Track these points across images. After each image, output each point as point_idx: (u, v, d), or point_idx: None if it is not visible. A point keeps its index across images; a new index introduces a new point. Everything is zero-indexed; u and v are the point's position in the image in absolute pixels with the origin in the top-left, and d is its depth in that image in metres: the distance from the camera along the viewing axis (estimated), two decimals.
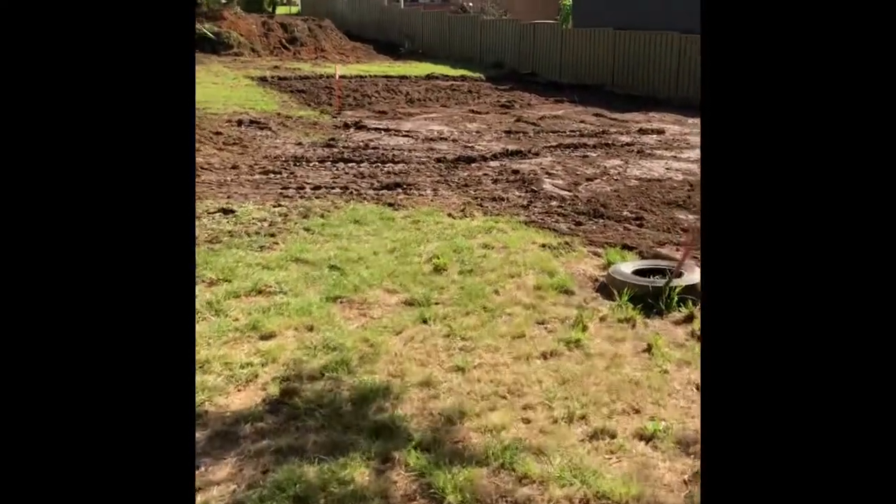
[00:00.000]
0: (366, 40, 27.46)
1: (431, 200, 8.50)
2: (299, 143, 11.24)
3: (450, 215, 7.81)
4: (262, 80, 18.55)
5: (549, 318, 5.13)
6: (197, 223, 7.25)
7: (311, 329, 4.85)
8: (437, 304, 5.33)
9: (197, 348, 4.57)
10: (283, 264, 6.06)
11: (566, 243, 6.88)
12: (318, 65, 21.92)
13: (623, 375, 4.33)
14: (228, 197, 8.32)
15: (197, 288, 5.54)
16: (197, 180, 8.99)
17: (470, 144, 11.66)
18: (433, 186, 9.13)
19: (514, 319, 5.08)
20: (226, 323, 4.90)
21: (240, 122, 12.26)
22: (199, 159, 9.95)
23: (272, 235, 6.91)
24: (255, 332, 4.79)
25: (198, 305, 5.15)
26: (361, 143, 11.39)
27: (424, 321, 5.01)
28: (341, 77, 14.62)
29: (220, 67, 20.20)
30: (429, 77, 20.26)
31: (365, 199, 8.42)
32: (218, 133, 11.47)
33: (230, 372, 4.26)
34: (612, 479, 3.37)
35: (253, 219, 7.46)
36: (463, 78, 20.51)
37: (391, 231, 7.07)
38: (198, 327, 4.85)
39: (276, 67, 20.72)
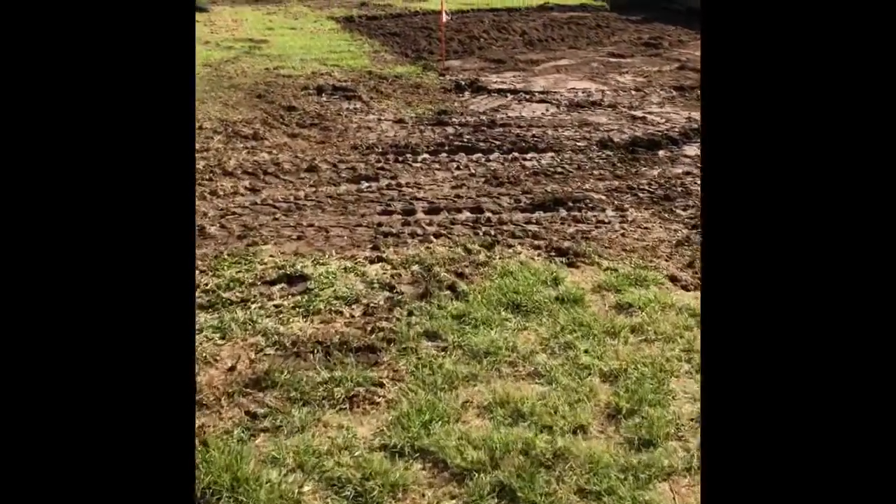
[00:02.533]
0: None
1: (623, 235, 4.96)
2: (400, 121, 7.75)
3: (675, 280, 4.28)
4: (349, 20, 14.98)
5: None
6: (241, 315, 3.93)
7: None
8: None
9: None
10: (395, 479, 2.71)
11: None
12: None
13: None
14: (299, 237, 4.99)
15: None
16: (257, 198, 5.68)
17: (637, 113, 7.94)
18: (614, 200, 5.57)
19: None
20: None
21: (320, 90, 8.81)
22: (264, 155, 6.64)
23: (373, 353, 3.54)
24: None
25: None
26: (484, 117, 7.82)
27: None
28: (448, 15, 10.72)
29: (301, 8, 16.69)
30: (542, 8, 16.26)
31: (515, 236, 4.94)
32: (291, 108, 8.07)
33: None
34: None
35: (335, 300, 4.10)
36: (583, 7, 16.42)
37: (587, 341, 3.58)
38: None
39: (363, 4, 17.05)
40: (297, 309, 4.02)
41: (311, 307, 4.03)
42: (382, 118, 7.87)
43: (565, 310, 3.88)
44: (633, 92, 8.81)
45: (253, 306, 4.06)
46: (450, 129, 7.44)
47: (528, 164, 6.43)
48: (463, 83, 9.16)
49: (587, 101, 8.39)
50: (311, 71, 9.80)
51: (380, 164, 6.44)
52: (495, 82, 9.34)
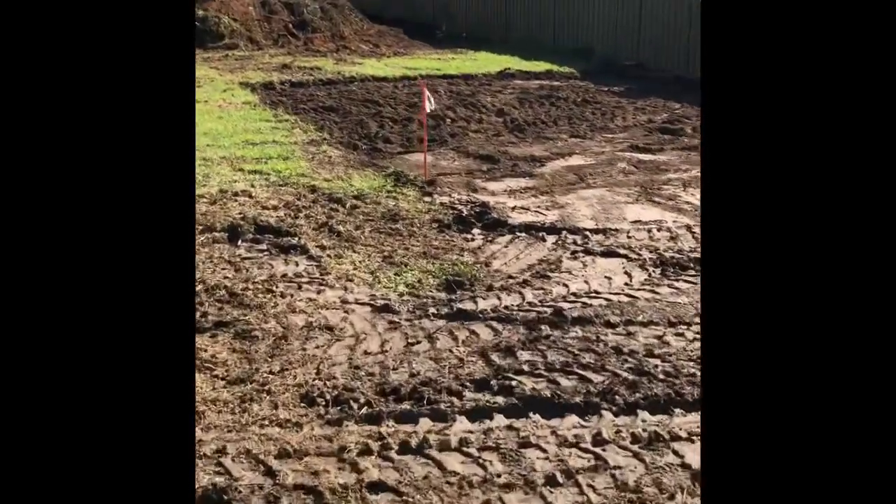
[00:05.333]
0: (390, 22, 19.85)
1: None
2: (384, 307, 4.02)
3: None
4: (268, 89, 11.18)
5: None
6: None
7: None
8: None
9: None
10: None
11: None
12: (343, 60, 14.45)
13: None
14: None
15: None
16: None
17: None
18: None
19: None
20: None
21: (235, 232, 4.94)
22: None
23: None
24: None
25: None
26: (532, 295, 4.15)
27: None
28: (433, 104, 6.48)
29: (206, 70, 12.75)
30: (503, 75, 12.89)
31: None
32: None
33: None
34: None
35: None
36: (550, 75, 13.15)
37: None
38: None
39: (285, 67, 13.26)
40: None
41: None
42: (350, 299, 4.13)
43: None
44: None
45: None
46: (483, 332, 3.78)
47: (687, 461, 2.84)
48: (465, 211, 5.51)
49: (679, 251, 4.87)
50: (220, 187, 5.89)
51: (373, 473, 2.72)
52: (513, 207, 5.73)
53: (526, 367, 3.43)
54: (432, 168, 6.77)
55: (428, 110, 6.16)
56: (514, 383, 3.29)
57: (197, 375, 3.35)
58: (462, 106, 9.97)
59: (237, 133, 7.93)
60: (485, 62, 14.26)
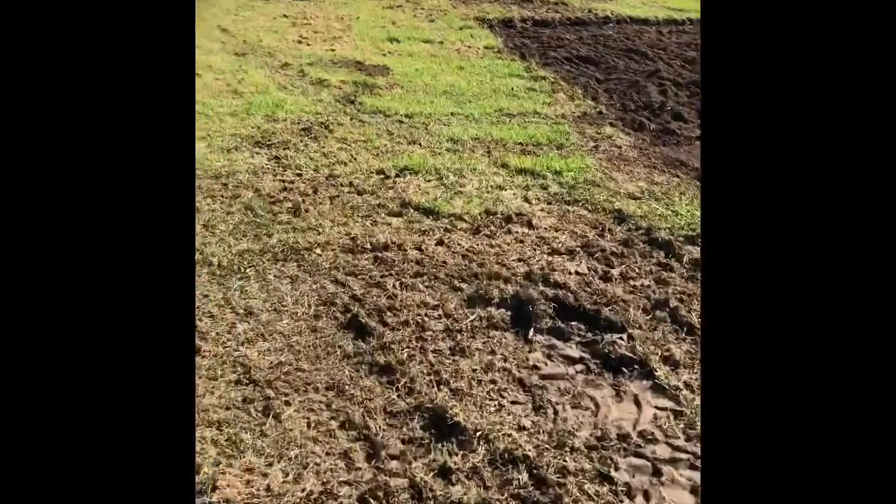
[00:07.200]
0: None
1: None
2: None
3: None
4: (508, 27, 9.05)
5: None
6: None
7: None
8: None
9: None
10: None
11: None
12: None
13: None
14: None
15: None
16: None
17: None
18: None
19: None
20: None
21: (521, 312, 2.80)
22: None
23: None
24: None
25: None
26: None
27: None
28: None
29: (436, 0, 10.79)
30: None
31: None
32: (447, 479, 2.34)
33: None
34: None
35: None
36: None
37: None
38: None
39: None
40: None
41: None
42: None
43: None
44: None
45: None
46: None
47: None
48: None
49: None
50: (482, 200, 3.85)
51: None
52: None
53: None
54: None
55: None
56: None
57: None
58: None
59: (485, 95, 5.89)
60: None
